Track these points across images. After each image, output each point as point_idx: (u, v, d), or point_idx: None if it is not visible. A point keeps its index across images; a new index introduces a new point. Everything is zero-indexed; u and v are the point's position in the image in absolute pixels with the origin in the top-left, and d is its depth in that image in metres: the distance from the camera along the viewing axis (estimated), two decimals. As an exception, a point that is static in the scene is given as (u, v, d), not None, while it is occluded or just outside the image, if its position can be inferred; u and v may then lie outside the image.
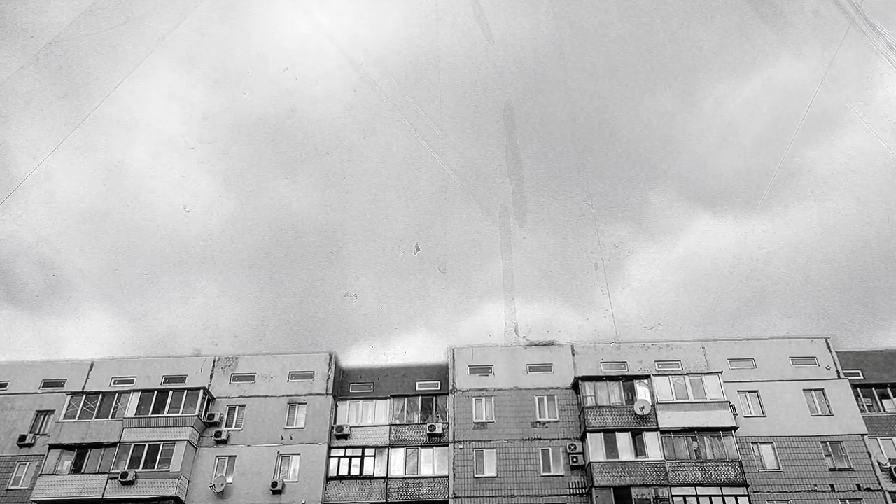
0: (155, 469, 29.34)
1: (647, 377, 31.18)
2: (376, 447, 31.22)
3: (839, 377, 31.65)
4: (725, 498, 27.62)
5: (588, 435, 29.80)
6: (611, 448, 29.39)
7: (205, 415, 31.46)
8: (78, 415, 31.11)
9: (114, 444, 30.27)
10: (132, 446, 30.01)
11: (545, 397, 32.04)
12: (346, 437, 31.44)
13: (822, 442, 29.94)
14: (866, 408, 31.21)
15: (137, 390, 31.67)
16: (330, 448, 31.14)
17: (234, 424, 31.70)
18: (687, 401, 30.23)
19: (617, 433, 29.79)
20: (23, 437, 31.10)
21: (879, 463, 29.18)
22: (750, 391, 31.51)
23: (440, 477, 30.33)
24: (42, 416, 32.12)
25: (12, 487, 30.03)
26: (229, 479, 29.91)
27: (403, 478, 30.41)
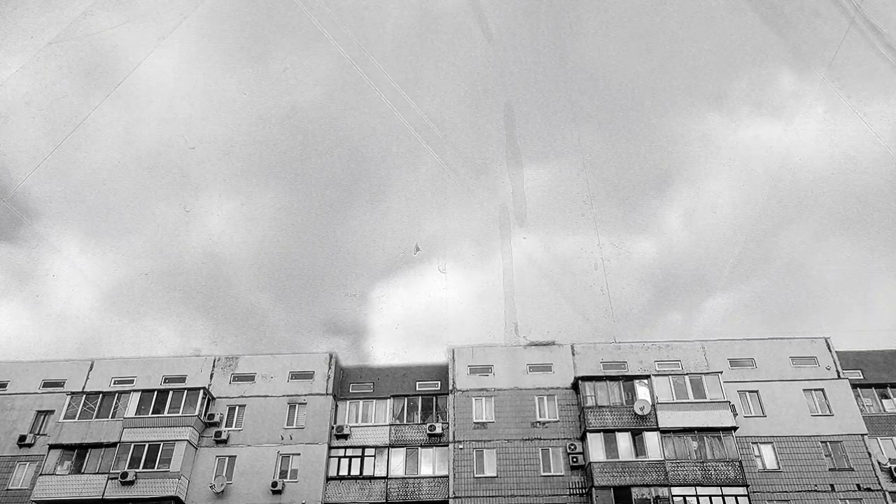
0: (155, 469, 29.34)
1: (647, 377, 31.18)
2: (376, 447, 31.23)
3: (839, 377, 31.65)
4: (725, 498, 27.63)
5: (588, 435, 29.80)
6: (611, 448, 29.39)
7: (205, 415, 31.46)
8: (78, 415, 31.11)
9: (114, 444, 30.27)
10: (132, 446, 30.02)
11: (545, 397, 32.05)
12: (346, 437, 31.44)
13: (822, 442, 29.95)
14: (866, 408, 31.23)
15: (137, 390, 31.68)
16: (330, 448, 31.14)
17: (234, 424, 31.70)
18: (687, 401, 30.23)
19: (617, 433, 29.80)
20: (23, 437, 31.10)
21: (879, 463, 29.18)
22: (750, 391, 31.51)
23: (440, 477, 30.34)
24: (42, 416, 32.11)
25: (12, 487, 30.03)
26: (229, 480, 29.92)
27: (403, 478, 30.42)
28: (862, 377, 32.14)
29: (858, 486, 28.67)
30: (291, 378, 32.99)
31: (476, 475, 30.00)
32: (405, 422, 32.02)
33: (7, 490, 29.93)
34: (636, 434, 29.77)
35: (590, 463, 29.17)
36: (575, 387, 31.90)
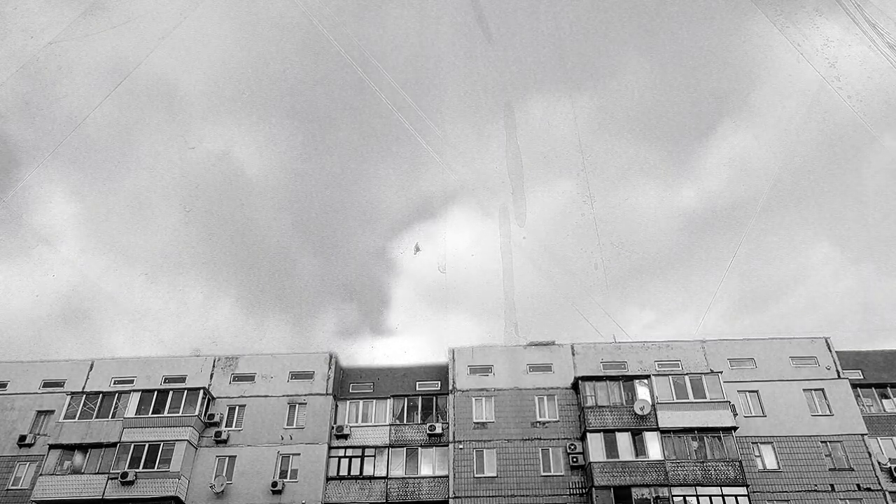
0: (155, 469, 29.34)
1: (647, 377, 31.17)
2: (376, 447, 31.22)
3: (839, 377, 31.64)
4: (725, 498, 27.63)
5: (588, 435, 29.80)
6: (611, 448, 29.38)
7: (205, 415, 31.45)
8: (78, 415, 31.11)
9: (114, 444, 30.27)
10: (132, 446, 30.01)
11: (545, 397, 32.04)
12: (346, 437, 31.44)
13: (822, 442, 29.94)
14: (866, 408, 31.23)
15: (137, 390, 31.67)
16: (330, 448, 31.13)
17: (234, 424, 31.70)
18: (687, 401, 30.23)
19: (617, 433, 29.79)
20: (23, 437, 31.10)
21: (879, 463, 29.18)
22: (750, 391, 31.51)
23: (440, 477, 30.33)
24: (42, 416, 32.11)
25: (12, 487, 30.02)
26: (229, 480, 29.91)
27: (403, 478, 30.41)
28: (862, 377, 32.13)
29: (858, 486, 28.66)
30: (291, 378, 32.98)
31: (476, 475, 29.99)
32: (405, 422, 32.01)
33: (7, 490, 29.93)
34: (636, 434, 29.76)
35: (590, 463, 29.16)
36: (575, 387, 31.89)
